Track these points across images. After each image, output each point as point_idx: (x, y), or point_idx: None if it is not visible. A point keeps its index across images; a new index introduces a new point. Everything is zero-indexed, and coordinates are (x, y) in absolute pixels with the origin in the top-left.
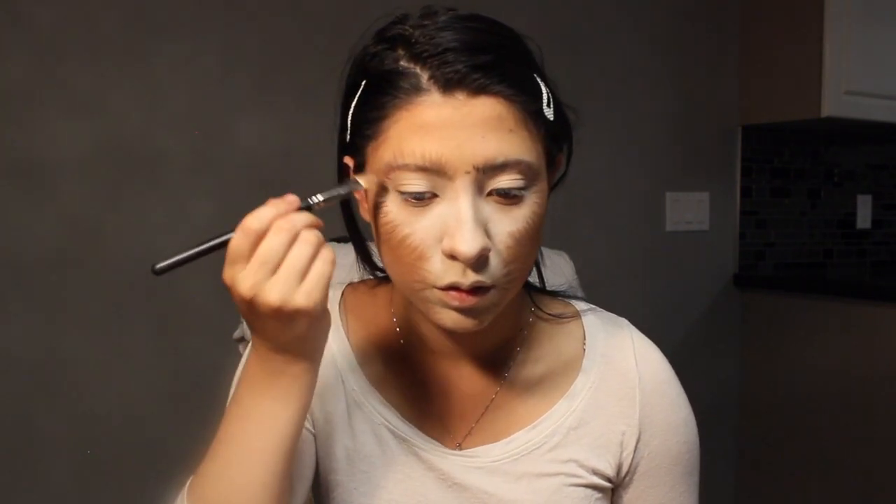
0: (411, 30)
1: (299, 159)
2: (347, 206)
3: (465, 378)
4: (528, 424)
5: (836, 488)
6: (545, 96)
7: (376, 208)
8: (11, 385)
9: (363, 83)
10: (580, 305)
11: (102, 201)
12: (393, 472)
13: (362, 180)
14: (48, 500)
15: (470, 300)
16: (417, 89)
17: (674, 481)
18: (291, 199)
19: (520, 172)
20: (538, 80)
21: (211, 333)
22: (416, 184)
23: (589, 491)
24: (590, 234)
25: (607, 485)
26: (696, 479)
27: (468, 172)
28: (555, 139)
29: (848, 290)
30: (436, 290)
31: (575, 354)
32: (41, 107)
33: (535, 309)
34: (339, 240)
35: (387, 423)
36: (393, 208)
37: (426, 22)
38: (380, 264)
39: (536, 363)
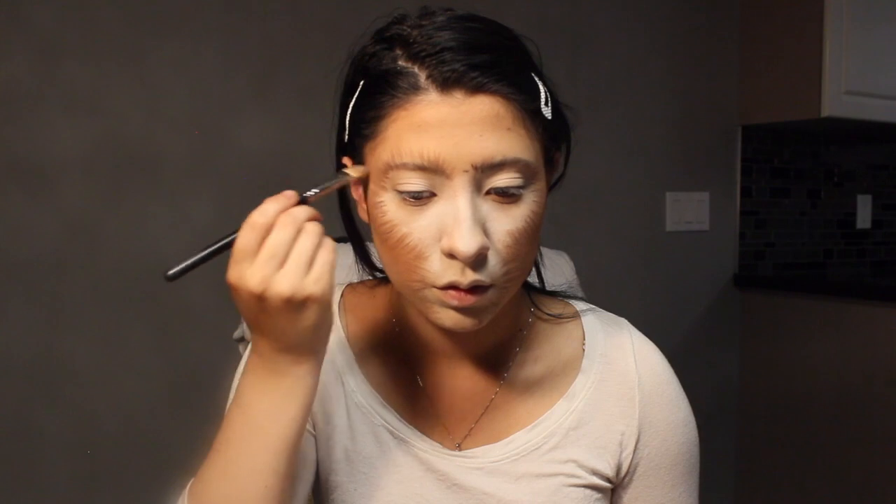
0: (409, 30)
1: (299, 159)
2: (346, 207)
3: (464, 378)
4: (528, 425)
5: (835, 488)
6: (543, 95)
7: (374, 208)
8: (11, 385)
9: (361, 83)
10: (580, 305)
11: (102, 201)
12: (392, 473)
13: (353, 171)
14: (48, 500)
15: (469, 299)
16: (415, 88)
17: (673, 481)
18: (290, 194)
19: (518, 171)
20: (536, 79)
21: (211, 333)
22: (415, 183)
23: (588, 491)
24: (590, 234)
25: (607, 485)
26: (695, 478)
27: (466, 171)
28: (553, 138)
29: (847, 290)
30: (435, 290)
31: (574, 355)
32: (41, 107)
33: (534, 309)
34: (338, 240)
35: (386, 425)
36: (391, 208)
37: (424, 22)
38: (379, 265)
39: (536, 363)
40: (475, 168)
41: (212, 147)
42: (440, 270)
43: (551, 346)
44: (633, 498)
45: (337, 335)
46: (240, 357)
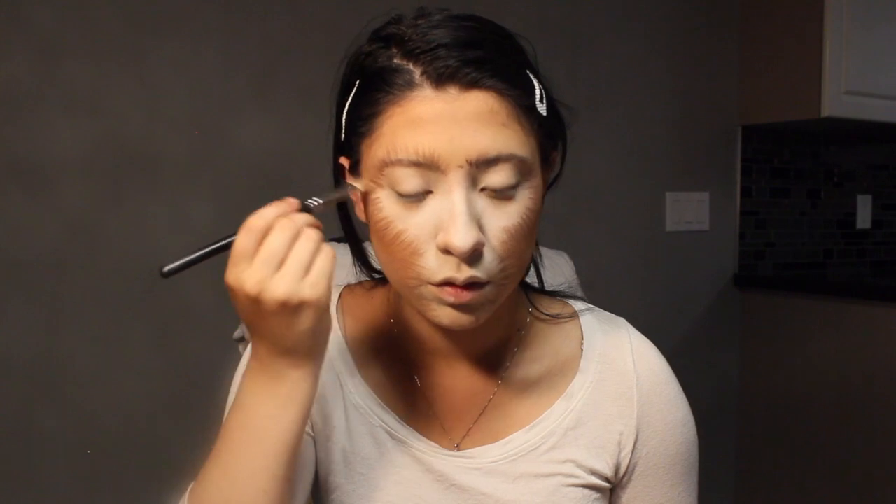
0: (405, 29)
1: (299, 159)
2: (344, 208)
3: (462, 379)
4: (526, 425)
5: (835, 488)
6: (538, 92)
7: (370, 205)
8: (11, 385)
9: (357, 82)
10: (578, 305)
11: (102, 201)
12: (390, 474)
13: (358, 183)
14: (48, 500)
15: (465, 296)
16: (410, 85)
17: (672, 481)
18: (292, 201)
19: (513, 167)
20: (530, 76)
21: (211, 333)
22: (410, 180)
23: (587, 491)
24: (590, 234)
25: (605, 485)
26: (694, 478)
27: (461, 166)
28: (549, 135)
29: (847, 290)
30: (431, 287)
31: (572, 354)
32: (41, 107)
33: (532, 309)
34: (337, 240)
35: (384, 425)
36: (387, 205)
37: (420, 21)
38: (376, 266)
39: (534, 363)
40: (470, 163)
41: (212, 147)
42: (436, 267)
43: (549, 346)
44: (631, 498)
45: (335, 336)
46: (240, 357)
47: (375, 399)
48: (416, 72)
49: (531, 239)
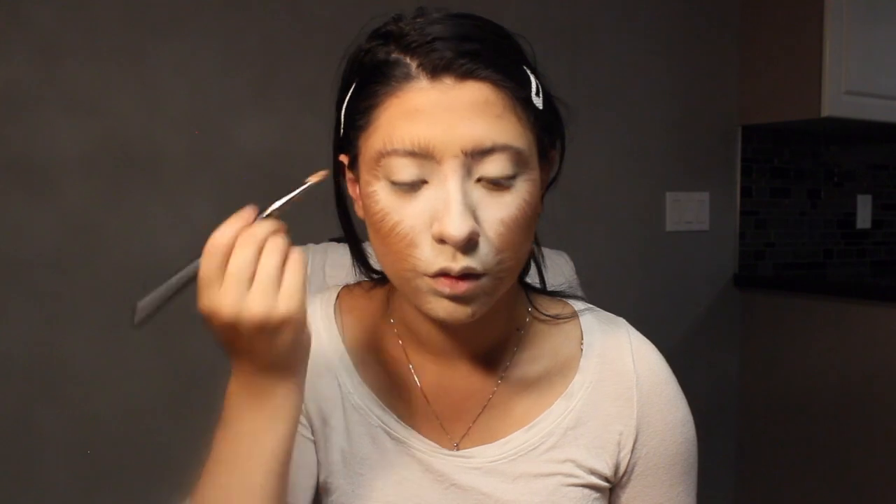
0: (403, 26)
1: (299, 159)
2: (343, 206)
3: (462, 378)
4: (526, 425)
5: (835, 488)
6: (534, 86)
7: (367, 198)
8: (11, 385)
9: (356, 78)
10: (578, 305)
11: (102, 201)
12: (389, 475)
13: (312, 178)
14: (48, 500)
15: (461, 286)
16: (407, 77)
17: (672, 481)
18: (247, 212)
19: (508, 158)
20: (527, 71)
21: (211, 333)
22: (406, 170)
23: (587, 491)
24: (590, 235)
25: (605, 485)
26: (694, 478)
27: (456, 156)
28: (546, 129)
29: (847, 290)
30: (426, 279)
31: (572, 354)
32: (41, 107)
33: (531, 309)
34: (337, 240)
35: (383, 426)
36: (383, 197)
37: (418, 20)
38: (376, 266)
39: (533, 363)
40: (465, 153)
41: (212, 147)
42: (431, 257)
43: (549, 345)
44: (631, 497)
45: (332, 337)
46: None
47: (374, 399)
48: (413, 64)
49: (528, 233)
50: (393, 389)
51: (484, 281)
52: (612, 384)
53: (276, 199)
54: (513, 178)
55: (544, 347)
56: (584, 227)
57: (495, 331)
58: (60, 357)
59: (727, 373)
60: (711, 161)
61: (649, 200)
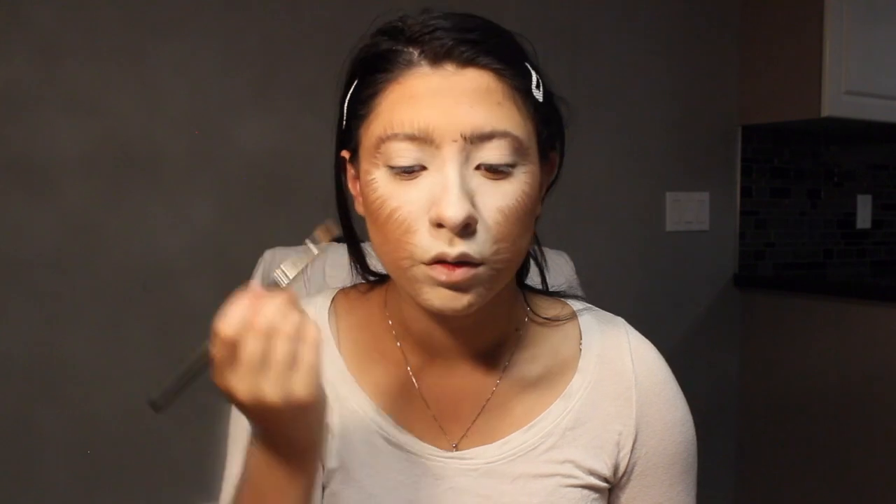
0: (407, 21)
1: (299, 159)
2: (343, 205)
3: (460, 378)
4: (525, 425)
5: (835, 488)
6: (534, 79)
7: (366, 187)
8: (11, 385)
9: (359, 72)
10: (576, 305)
11: (102, 201)
12: (387, 480)
13: (320, 233)
14: (48, 500)
15: (457, 274)
16: (409, 63)
17: (671, 480)
18: (255, 290)
19: (508, 145)
20: (527, 66)
21: (211, 333)
22: (405, 154)
23: (586, 491)
24: (590, 234)
25: (604, 485)
26: (693, 478)
27: (455, 141)
28: (545, 122)
29: (847, 290)
30: (423, 267)
31: (571, 354)
32: (41, 107)
33: (529, 310)
34: (337, 240)
35: (380, 431)
36: (382, 184)
37: (422, 16)
38: (373, 268)
39: (532, 363)
40: (464, 138)
41: (212, 147)
42: (428, 243)
43: (548, 345)
44: (630, 497)
45: (326, 342)
46: None
47: (371, 404)
48: (415, 52)
49: (526, 226)
50: (390, 391)
51: (481, 270)
52: (611, 384)
53: (281, 265)
54: (512, 166)
55: (543, 347)
56: (584, 227)
57: (494, 330)
58: (60, 357)
59: (727, 373)
60: (711, 161)
61: (649, 200)
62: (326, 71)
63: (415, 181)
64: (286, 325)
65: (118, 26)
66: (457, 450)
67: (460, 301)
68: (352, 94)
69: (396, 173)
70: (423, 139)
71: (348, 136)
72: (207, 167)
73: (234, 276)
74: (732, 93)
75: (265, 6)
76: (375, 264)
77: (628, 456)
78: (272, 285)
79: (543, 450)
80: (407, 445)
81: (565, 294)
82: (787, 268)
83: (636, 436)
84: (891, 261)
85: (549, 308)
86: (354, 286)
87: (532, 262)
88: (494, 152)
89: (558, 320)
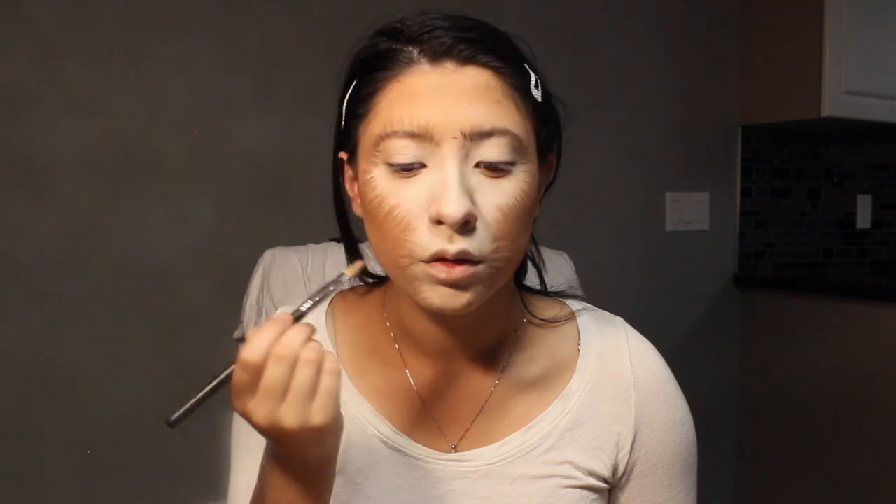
0: (406, 21)
1: (299, 159)
2: (341, 206)
3: (459, 379)
4: (524, 426)
5: (835, 488)
6: (533, 79)
7: (364, 186)
8: (11, 385)
9: (358, 72)
10: (575, 305)
11: (102, 201)
12: (385, 484)
13: (348, 270)
14: (48, 500)
15: (456, 271)
16: (409, 62)
17: (671, 481)
18: (282, 319)
19: (507, 143)
20: (526, 66)
21: (211, 333)
22: (405, 151)
23: (585, 492)
24: (590, 234)
25: (603, 486)
26: (693, 478)
27: (455, 138)
28: (544, 122)
29: (847, 290)
30: (422, 265)
31: (570, 355)
32: (41, 107)
33: (528, 311)
34: (337, 240)
35: (379, 434)
36: (381, 182)
37: (420, 17)
38: (371, 269)
39: (531, 364)
40: (464, 135)
41: (212, 147)
42: (428, 241)
43: (546, 346)
44: (630, 498)
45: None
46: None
47: (370, 407)
48: (415, 51)
49: (525, 225)
50: (389, 394)
51: (480, 268)
52: (610, 384)
53: (310, 296)
54: (511, 164)
55: (542, 348)
56: (584, 227)
57: (492, 331)
58: (60, 357)
59: (727, 373)
60: (711, 161)
61: (649, 200)
62: (326, 71)
63: (414, 179)
64: (309, 353)
65: (118, 26)
66: (455, 451)
67: (460, 299)
68: (350, 94)
69: (395, 171)
70: (422, 136)
71: (346, 137)
72: (207, 167)
73: (234, 276)
74: (732, 93)
75: (265, 6)
76: (374, 266)
77: (627, 456)
78: (297, 318)
79: (542, 451)
80: (406, 448)
81: (564, 294)
82: (787, 268)
83: (635, 436)
84: (891, 261)
85: (547, 309)
86: (352, 288)
87: (530, 263)
88: (494, 150)
89: (557, 321)
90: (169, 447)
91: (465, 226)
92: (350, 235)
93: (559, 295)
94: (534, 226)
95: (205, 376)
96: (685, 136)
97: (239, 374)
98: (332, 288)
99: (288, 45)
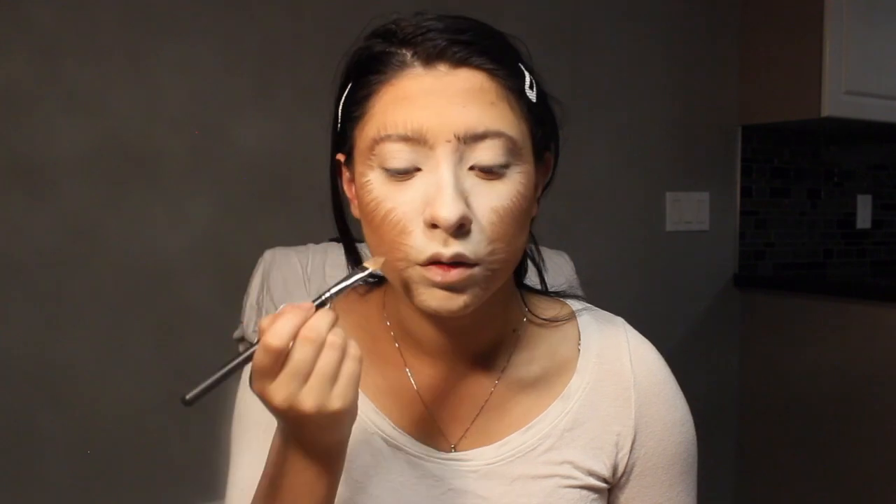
0: (400, 23)
1: (299, 159)
2: (339, 207)
3: (459, 380)
4: (523, 426)
5: (835, 488)
6: (528, 80)
7: (361, 189)
8: (11, 385)
9: (353, 74)
10: (575, 305)
11: (102, 201)
12: (385, 482)
13: (370, 263)
14: (48, 500)
15: (452, 274)
16: (402, 65)
17: (671, 481)
18: (307, 307)
19: (502, 145)
20: (521, 66)
21: (211, 333)
22: (399, 155)
23: (585, 492)
24: (590, 234)
25: (603, 486)
26: (693, 478)
27: (449, 141)
28: (539, 123)
29: (847, 290)
30: (418, 268)
31: (570, 355)
32: (41, 107)
33: (527, 311)
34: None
35: (379, 432)
36: (376, 185)
37: (415, 18)
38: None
39: (531, 364)
40: (458, 138)
41: (212, 147)
42: (423, 244)
43: (546, 346)
44: (630, 498)
45: None
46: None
47: (371, 405)
48: (408, 53)
49: (522, 226)
50: (389, 393)
51: (476, 271)
52: (610, 384)
53: (333, 285)
54: (506, 167)
55: (541, 348)
56: (584, 227)
57: (492, 331)
58: (60, 357)
59: (727, 373)
60: (711, 161)
61: (649, 200)
62: (326, 71)
63: (409, 182)
64: (335, 337)
65: (118, 26)
66: (455, 451)
67: (456, 302)
68: (346, 97)
69: (391, 175)
70: (416, 140)
71: (343, 139)
72: (207, 167)
73: (234, 276)
74: (732, 93)
75: (265, 6)
76: None
77: (627, 456)
78: (320, 304)
79: (542, 451)
80: (407, 447)
81: (564, 294)
82: (787, 268)
83: (635, 436)
84: (891, 261)
85: (547, 308)
86: (353, 288)
87: (530, 263)
88: (488, 152)
89: (557, 321)
90: (169, 447)
91: (460, 229)
92: (349, 236)
93: (559, 295)
94: (533, 226)
95: (205, 376)
96: (685, 136)
97: (260, 356)
98: (356, 280)
99: (288, 45)
